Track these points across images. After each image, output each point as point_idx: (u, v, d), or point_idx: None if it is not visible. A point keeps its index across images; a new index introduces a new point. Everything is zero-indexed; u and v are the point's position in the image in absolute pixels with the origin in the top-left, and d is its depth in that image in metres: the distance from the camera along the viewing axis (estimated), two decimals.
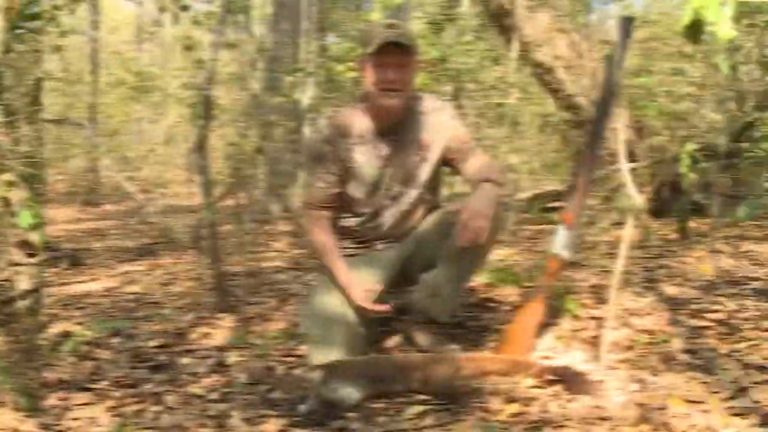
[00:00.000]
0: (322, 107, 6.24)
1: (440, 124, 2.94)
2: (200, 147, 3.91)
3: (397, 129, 2.90)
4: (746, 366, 2.41)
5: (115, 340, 3.48)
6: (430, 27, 7.00)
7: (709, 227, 4.98)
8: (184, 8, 5.71)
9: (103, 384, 2.88)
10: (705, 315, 3.02)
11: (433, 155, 2.94)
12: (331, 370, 2.53)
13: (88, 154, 11.47)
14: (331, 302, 2.81)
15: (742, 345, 2.59)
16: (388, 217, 2.98)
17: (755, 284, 3.45)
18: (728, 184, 5.72)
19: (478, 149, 3.01)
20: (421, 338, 3.03)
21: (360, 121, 2.91)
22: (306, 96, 6.07)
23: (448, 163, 3.00)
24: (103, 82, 14.99)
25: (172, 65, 15.64)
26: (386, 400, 2.59)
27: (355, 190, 2.95)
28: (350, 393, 2.52)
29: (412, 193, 2.95)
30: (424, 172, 2.94)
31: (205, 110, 3.90)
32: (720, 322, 2.92)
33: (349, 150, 2.89)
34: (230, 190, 9.10)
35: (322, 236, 2.94)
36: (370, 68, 2.78)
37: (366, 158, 2.90)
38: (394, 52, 2.71)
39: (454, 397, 2.46)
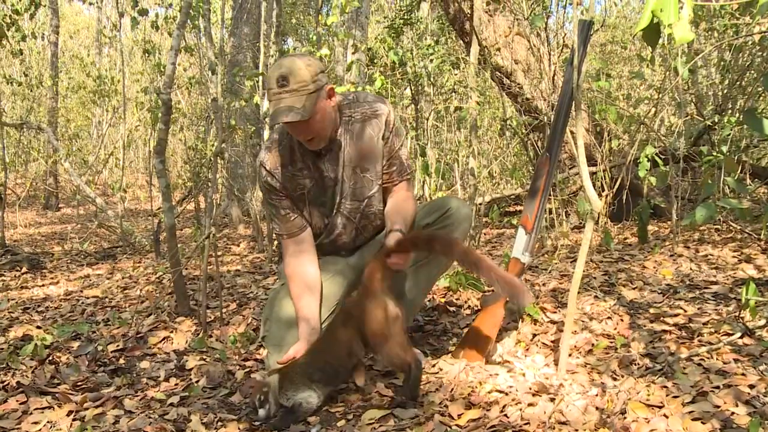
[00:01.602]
0: None
1: (378, 135, 2.79)
2: (160, 151, 3.85)
3: (336, 146, 2.77)
4: (706, 370, 2.40)
5: (74, 344, 3.44)
6: (389, 31, 6.98)
7: (668, 231, 5.03)
8: (143, 12, 5.64)
9: (63, 388, 2.83)
10: (665, 319, 3.02)
11: (377, 167, 2.82)
12: (288, 375, 2.49)
13: (48, 158, 11.29)
14: (291, 306, 2.75)
15: (702, 349, 2.58)
16: (344, 234, 2.89)
17: (715, 288, 3.46)
18: (687, 188, 5.79)
19: (406, 172, 2.88)
20: None
21: (297, 147, 2.77)
22: (266, 100, 6.00)
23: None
24: (63, 86, 14.80)
25: (131, 69, 15.50)
26: (345, 405, 2.56)
27: (309, 216, 2.85)
28: (308, 397, 2.49)
29: (365, 207, 2.85)
30: (372, 184, 2.83)
31: (164, 114, 3.84)
32: (680, 326, 2.92)
33: (294, 177, 2.79)
34: (190, 194, 9.02)
35: (289, 269, 2.81)
36: None
37: (312, 182, 2.79)
38: (291, 123, 2.55)
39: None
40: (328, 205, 2.82)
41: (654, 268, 4.03)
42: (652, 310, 3.17)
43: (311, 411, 2.48)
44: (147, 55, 7.57)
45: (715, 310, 3.10)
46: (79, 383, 2.90)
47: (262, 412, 2.41)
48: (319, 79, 2.55)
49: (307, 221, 2.85)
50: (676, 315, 3.07)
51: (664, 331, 2.88)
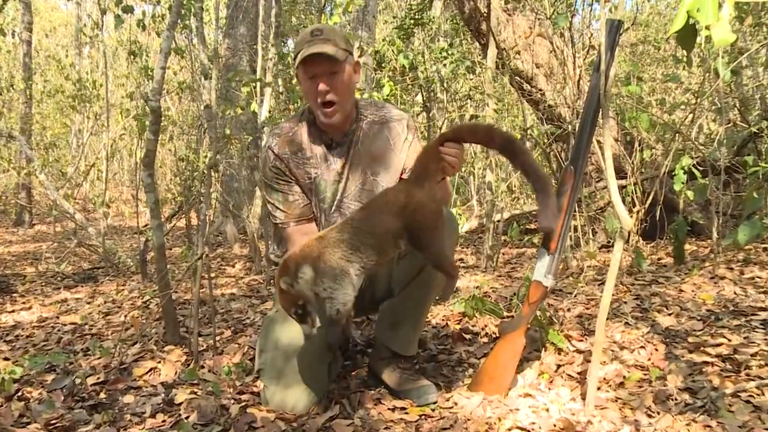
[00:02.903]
0: (280, 120, 6.22)
1: (397, 139, 2.94)
2: (148, 162, 3.87)
3: (348, 140, 2.90)
4: (756, 408, 2.36)
5: (49, 377, 3.40)
6: (398, 31, 7.01)
7: (708, 251, 4.99)
8: (128, 9, 5.66)
9: (34, 427, 2.80)
10: (705, 349, 3.00)
11: (391, 171, 2.93)
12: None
13: (20, 170, 11.32)
14: (290, 334, 2.77)
15: (751, 384, 2.54)
16: None
17: (763, 315, 3.42)
18: (729, 203, 5.73)
19: None
20: (388, 376, 3.00)
21: (308, 135, 2.90)
22: (263, 108, 6.03)
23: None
24: (37, 89, 14.83)
25: (115, 72, 15.53)
26: None
27: (313, 208, 2.93)
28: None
29: None
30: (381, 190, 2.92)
31: (153, 122, 3.86)
32: (723, 357, 2.89)
33: (303, 165, 2.89)
34: (180, 210, 9.05)
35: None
36: (303, 82, 2.80)
37: (318, 172, 2.89)
38: (321, 61, 2.69)
39: None
40: (329, 200, 2.90)
41: (692, 291, 4.01)
42: (691, 339, 3.15)
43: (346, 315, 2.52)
44: (133, 57, 7.60)
45: (765, 339, 3.07)
46: (53, 421, 2.85)
47: (306, 329, 2.46)
48: (350, 46, 2.78)
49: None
50: (718, 345, 3.03)
51: (706, 363, 2.85)
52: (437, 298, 2.84)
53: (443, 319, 3.95)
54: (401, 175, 2.93)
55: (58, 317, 4.85)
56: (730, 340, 3.08)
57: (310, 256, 2.42)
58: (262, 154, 2.98)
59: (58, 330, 4.48)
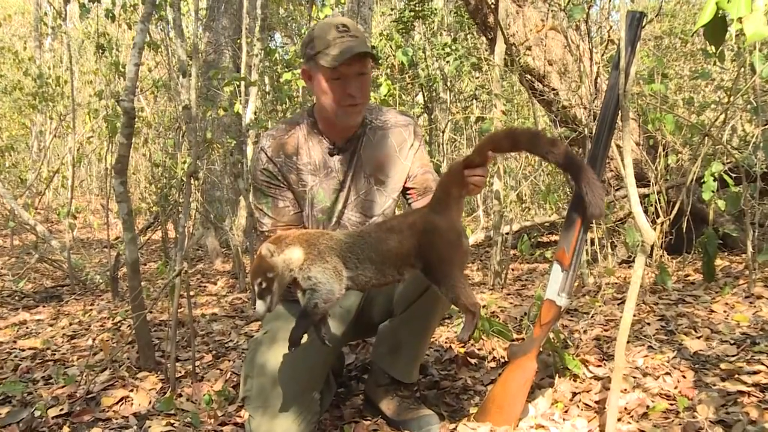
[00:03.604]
0: (267, 123, 6.23)
1: (402, 145, 2.99)
2: (121, 170, 3.88)
3: (351, 146, 2.94)
4: None
5: (3, 410, 3.37)
6: (396, 25, 7.03)
7: (742, 266, 4.98)
8: None
9: None
10: (740, 377, 2.99)
11: (395, 180, 2.98)
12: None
13: None
14: (279, 358, 2.78)
15: None
16: None
17: None
18: (766, 213, 5.70)
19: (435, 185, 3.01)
20: (386, 404, 3.02)
21: (307, 139, 2.93)
22: (248, 109, 6.05)
23: (404, 192, 3.04)
24: None
25: (82, 68, 15.52)
26: None
27: (306, 219, 2.96)
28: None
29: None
30: (385, 201, 2.98)
31: (125, 124, 3.87)
32: (761, 386, 2.88)
33: (298, 172, 2.92)
34: (156, 221, 9.05)
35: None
36: (326, 81, 2.78)
37: (316, 180, 2.92)
38: (353, 61, 2.72)
39: None
40: (328, 210, 2.94)
41: (725, 312, 4.02)
42: (723, 366, 3.14)
43: (323, 313, 2.48)
44: (101, 51, 7.61)
45: None
46: None
47: (260, 305, 2.40)
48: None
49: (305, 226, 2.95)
50: (756, 372, 3.02)
51: (741, 393, 2.84)
52: (457, 337, 2.83)
53: (446, 342, 3.97)
54: (406, 182, 2.97)
55: (15, 341, 4.81)
56: None
57: (307, 242, 2.44)
58: (255, 156, 3.00)
59: (15, 356, 4.43)
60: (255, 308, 2.41)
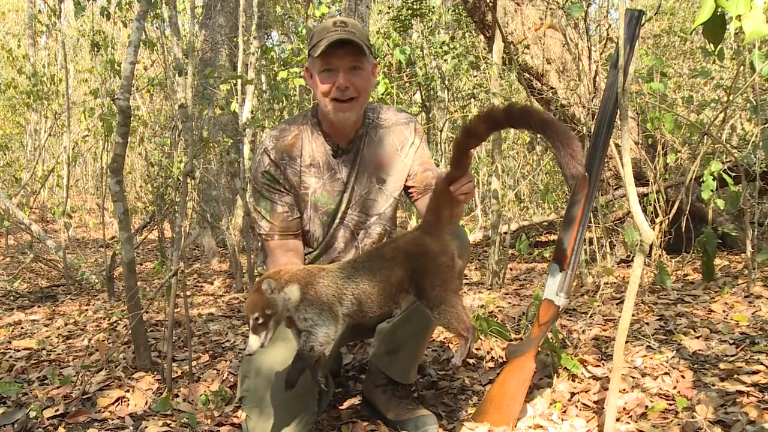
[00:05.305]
0: (263, 121, 6.23)
1: (404, 144, 2.99)
2: (116, 169, 3.88)
3: (354, 147, 2.94)
4: None
5: None
6: (394, 23, 7.04)
7: (741, 266, 4.98)
8: None
9: None
10: (739, 377, 2.99)
11: (395, 180, 2.98)
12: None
13: None
14: (277, 358, 2.78)
15: None
16: (344, 252, 3.00)
17: None
18: (766, 213, 5.69)
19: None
20: (384, 404, 3.03)
21: (311, 140, 2.93)
22: (245, 108, 6.05)
23: (406, 190, 3.05)
24: None
25: (77, 66, 15.49)
26: None
27: (308, 221, 2.96)
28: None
29: (373, 225, 2.99)
30: (386, 200, 2.99)
31: (121, 123, 3.87)
32: (760, 386, 2.89)
33: (300, 174, 2.91)
34: (152, 221, 9.05)
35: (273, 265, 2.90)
36: (318, 75, 2.81)
37: (320, 183, 2.92)
38: (344, 53, 2.73)
39: None
40: (332, 212, 2.94)
41: (724, 312, 4.02)
42: (722, 365, 3.15)
43: (319, 354, 2.46)
44: (97, 49, 7.60)
45: None
46: None
47: (254, 340, 2.37)
48: (370, 44, 2.85)
49: (303, 231, 2.96)
50: (755, 372, 3.03)
51: (740, 393, 2.85)
52: (450, 363, 2.82)
53: (444, 342, 3.97)
54: (406, 180, 2.98)
55: (10, 342, 4.80)
56: (767, 367, 3.07)
57: (304, 279, 2.43)
58: (257, 157, 2.99)
59: (10, 356, 4.43)
60: (248, 344, 2.37)
